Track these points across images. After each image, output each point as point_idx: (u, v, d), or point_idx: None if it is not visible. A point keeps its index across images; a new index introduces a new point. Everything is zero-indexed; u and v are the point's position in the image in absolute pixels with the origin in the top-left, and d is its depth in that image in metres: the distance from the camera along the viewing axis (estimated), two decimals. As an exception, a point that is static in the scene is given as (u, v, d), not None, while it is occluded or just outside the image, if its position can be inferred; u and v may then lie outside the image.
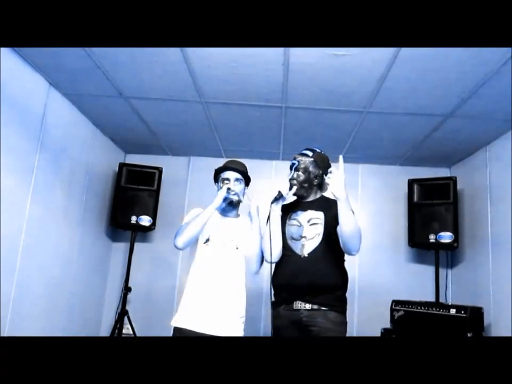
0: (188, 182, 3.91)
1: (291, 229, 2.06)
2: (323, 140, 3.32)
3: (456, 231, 3.23)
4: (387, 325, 3.06)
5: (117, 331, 3.24)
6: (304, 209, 2.09)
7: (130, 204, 3.50)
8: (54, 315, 2.82)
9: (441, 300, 3.32)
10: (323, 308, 1.93)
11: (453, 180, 3.35)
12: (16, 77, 2.25)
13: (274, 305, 2.05)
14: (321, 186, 2.14)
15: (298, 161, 2.14)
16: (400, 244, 3.65)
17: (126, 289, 3.41)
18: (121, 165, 3.60)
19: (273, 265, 2.02)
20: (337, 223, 1.90)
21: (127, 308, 3.37)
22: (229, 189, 2.04)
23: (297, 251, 2.01)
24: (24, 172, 2.41)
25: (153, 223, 3.51)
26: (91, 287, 3.42)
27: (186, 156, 3.92)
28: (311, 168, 2.11)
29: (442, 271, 3.44)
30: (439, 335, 2.77)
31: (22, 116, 2.33)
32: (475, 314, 2.75)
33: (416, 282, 3.58)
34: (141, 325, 3.43)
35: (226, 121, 3.05)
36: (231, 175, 2.12)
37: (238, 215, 2.19)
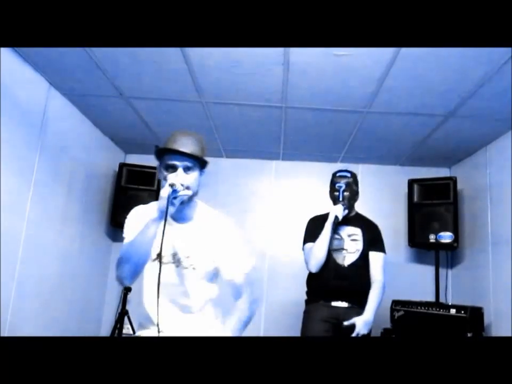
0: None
1: (335, 241, 2.44)
2: (323, 140, 3.33)
3: (456, 231, 3.23)
4: (387, 325, 3.06)
5: (117, 331, 3.24)
6: (346, 225, 2.49)
7: (130, 203, 3.45)
8: (54, 315, 2.82)
9: (441, 300, 3.32)
10: (355, 306, 2.37)
11: (453, 179, 3.35)
12: (16, 77, 2.25)
13: (309, 302, 2.49)
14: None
15: (345, 184, 2.45)
16: (400, 244, 3.65)
17: (126, 289, 3.41)
18: (121, 165, 3.60)
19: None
20: (371, 245, 2.47)
21: (127, 308, 3.37)
22: (172, 186, 1.45)
23: (339, 261, 2.43)
24: (24, 172, 2.41)
25: (153, 223, 3.51)
26: (91, 287, 3.42)
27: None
28: (353, 187, 2.50)
29: (442, 271, 3.44)
30: (439, 335, 2.77)
31: (22, 116, 2.33)
32: (475, 314, 2.75)
33: (416, 282, 3.58)
34: (141, 325, 3.43)
35: (226, 121, 3.05)
36: (177, 161, 1.50)
37: (193, 218, 1.62)
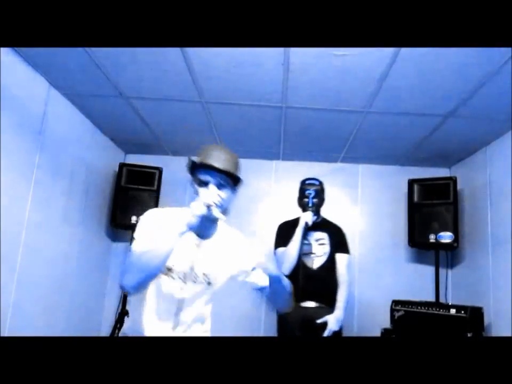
0: (187, 182, 3.90)
1: (304, 246, 2.57)
2: (323, 140, 3.33)
3: (456, 231, 3.23)
4: (387, 325, 3.06)
5: (117, 331, 3.24)
6: (314, 230, 2.64)
7: (131, 204, 3.50)
8: (54, 315, 2.82)
9: (441, 300, 3.32)
10: (325, 306, 2.55)
11: (453, 179, 3.35)
12: (16, 77, 2.25)
13: None
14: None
15: (314, 191, 2.61)
16: (400, 244, 3.65)
17: (126, 289, 3.41)
18: (121, 165, 3.60)
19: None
20: (337, 247, 2.64)
21: (127, 308, 3.37)
22: (209, 207, 1.38)
23: (308, 264, 2.59)
24: (24, 172, 2.41)
25: (153, 223, 3.51)
26: (91, 287, 3.42)
27: (186, 155, 3.91)
28: (321, 195, 2.68)
29: (442, 271, 3.43)
30: (439, 335, 2.77)
31: (22, 116, 2.33)
32: (475, 314, 2.75)
33: (416, 282, 3.58)
34: (141, 325, 3.43)
35: (226, 121, 3.04)
36: (213, 178, 1.44)
37: (214, 235, 1.55)
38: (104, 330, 3.58)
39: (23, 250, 2.41)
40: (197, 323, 1.58)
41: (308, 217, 2.55)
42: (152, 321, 1.50)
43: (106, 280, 3.72)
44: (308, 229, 2.59)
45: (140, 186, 3.55)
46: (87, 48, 2.11)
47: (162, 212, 1.56)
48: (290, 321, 2.48)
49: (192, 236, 1.48)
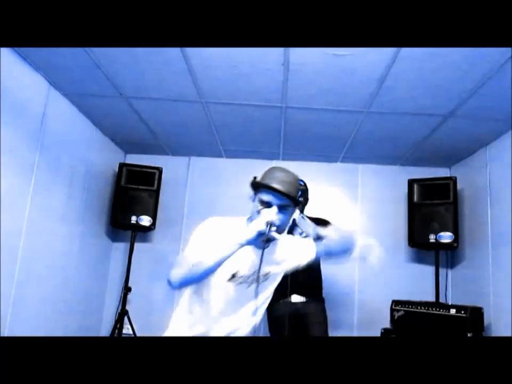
0: (187, 182, 3.91)
1: None
2: (323, 140, 3.33)
3: (456, 231, 3.23)
4: (387, 325, 3.06)
5: (117, 331, 3.24)
6: (297, 226, 2.69)
7: (130, 204, 3.50)
8: (54, 315, 2.82)
9: (441, 300, 3.32)
10: (312, 300, 2.72)
11: (453, 179, 3.35)
12: (16, 77, 2.25)
13: (272, 301, 2.51)
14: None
15: (300, 191, 2.86)
16: (400, 244, 3.65)
17: (126, 289, 3.41)
18: (121, 165, 3.60)
19: None
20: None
21: (127, 307, 3.37)
22: (270, 225, 1.43)
23: None
24: (24, 172, 2.41)
25: (153, 223, 3.51)
26: (91, 287, 3.42)
27: (186, 155, 3.92)
28: (306, 195, 2.77)
29: (442, 271, 3.43)
30: (439, 335, 2.77)
31: (22, 116, 2.33)
32: (475, 314, 2.75)
33: (416, 282, 3.58)
34: (141, 325, 3.43)
35: (226, 121, 3.04)
36: (276, 199, 1.48)
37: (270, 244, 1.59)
38: (104, 330, 3.59)
39: (23, 250, 2.41)
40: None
41: (294, 215, 2.65)
42: (216, 326, 1.58)
43: (106, 280, 3.72)
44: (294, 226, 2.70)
45: (140, 186, 3.55)
46: (87, 48, 2.11)
47: (222, 220, 1.62)
48: (280, 317, 2.59)
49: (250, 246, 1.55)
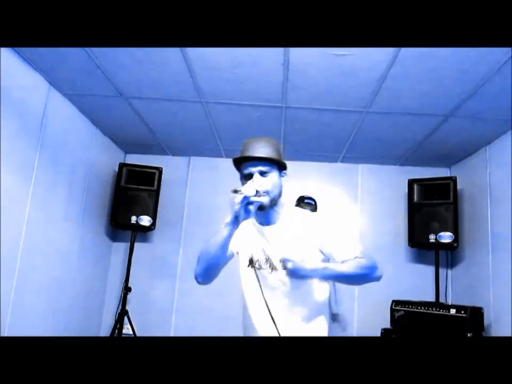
0: (188, 182, 3.91)
1: None
2: (323, 140, 3.33)
3: (456, 231, 3.23)
4: (387, 325, 3.06)
5: (117, 331, 3.24)
6: None
7: (130, 204, 3.50)
8: (54, 315, 2.82)
9: (441, 300, 3.32)
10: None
11: (453, 179, 3.35)
12: (16, 77, 2.25)
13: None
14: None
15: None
16: (400, 244, 3.65)
17: (126, 289, 3.41)
18: (121, 165, 3.60)
19: None
20: None
21: (127, 307, 3.37)
22: (245, 197, 1.38)
23: None
24: (24, 172, 2.41)
25: (153, 223, 3.51)
26: (91, 287, 3.42)
27: (186, 156, 3.92)
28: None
29: (442, 271, 3.44)
30: (439, 335, 2.77)
31: (22, 116, 2.33)
32: (475, 314, 2.75)
33: (416, 282, 3.58)
34: (141, 325, 3.43)
35: (226, 121, 3.05)
36: (252, 167, 1.46)
37: (279, 220, 1.55)
38: (104, 330, 3.59)
39: (23, 250, 2.41)
40: (298, 309, 1.54)
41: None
42: (256, 315, 1.56)
43: (106, 280, 3.72)
44: None
45: (140, 186, 3.55)
46: (87, 48, 2.11)
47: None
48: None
49: (257, 225, 1.56)
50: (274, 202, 1.49)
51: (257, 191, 1.41)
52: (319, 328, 1.57)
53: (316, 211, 2.81)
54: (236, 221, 1.41)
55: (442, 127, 2.89)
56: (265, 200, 1.43)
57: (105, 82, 2.49)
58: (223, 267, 1.56)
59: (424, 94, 2.43)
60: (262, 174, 1.46)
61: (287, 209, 1.58)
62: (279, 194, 1.51)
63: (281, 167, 1.52)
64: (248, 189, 1.40)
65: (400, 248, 3.66)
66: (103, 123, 3.23)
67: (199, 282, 1.52)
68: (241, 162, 1.48)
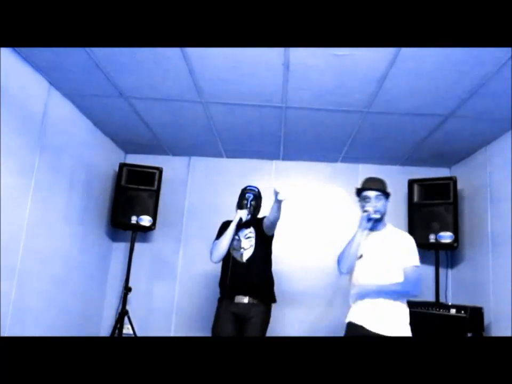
0: (188, 182, 3.91)
1: (234, 242, 2.73)
2: (323, 140, 3.33)
3: (456, 231, 3.23)
4: (387, 325, 3.05)
5: (117, 331, 3.24)
6: (245, 228, 2.80)
7: (131, 204, 3.50)
8: (54, 315, 2.82)
9: (441, 300, 3.32)
10: (256, 301, 2.62)
11: (453, 179, 3.35)
12: (16, 77, 2.25)
13: (219, 300, 2.73)
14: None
15: (253, 195, 2.81)
16: (400, 244, 3.64)
17: (126, 289, 3.41)
18: (122, 165, 3.60)
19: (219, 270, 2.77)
20: (264, 235, 2.74)
21: (127, 307, 3.37)
22: (366, 211, 2.22)
23: (238, 259, 2.70)
24: (24, 172, 2.41)
25: (154, 223, 3.51)
26: (91, 287, 3.42)
27: (186, 155, 3.92)
28: (259, 201, 2.86)
29: (442, 271, 3.43)
30: (439, 335, 2.76)
31: (22, 116, 2.33)
32: (475, 314, 2.75)
33: (416, 282, 3.57)
34: (141, 325, 3.43)
35: (226, 121, 3.05)
36: (370, 194, 2.27)
37: (382, 230, 2.31)
38: (104, 330, 3.59)
39: (23, 250, 2.41)
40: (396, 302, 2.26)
41: (243, 214, 2.70)
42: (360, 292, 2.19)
43: (106, 280, 3.72)
44: (241, 226, 2.74)
45: (140, 186, 3.55)
46: (87, 48, 2.11)
47: None
48: (222, 317, 2.60)
49: (369, 232, 2.26)
50: (382, 218, 2.27)
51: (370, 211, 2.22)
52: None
53: (259, 198, 2.84)
54: (365, 229, 2.21)
55: (442, 127, 2.89)
56: (377, 216, 2.22)
57: (105, 82, 2.49)
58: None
59: (424, 94, 2.43)
60: (376, 198, 2.25)
61: (389, 226, 2.34)
62: (385, 213, 2.29)
63: (387, 196, 2.29)
64: (369, 209, 2.22)
65: (400, 248, 3.65)
66: (103, 123, 3.23)
67: (341, 273, 2.25)
68: (364, 190, 2.30)
